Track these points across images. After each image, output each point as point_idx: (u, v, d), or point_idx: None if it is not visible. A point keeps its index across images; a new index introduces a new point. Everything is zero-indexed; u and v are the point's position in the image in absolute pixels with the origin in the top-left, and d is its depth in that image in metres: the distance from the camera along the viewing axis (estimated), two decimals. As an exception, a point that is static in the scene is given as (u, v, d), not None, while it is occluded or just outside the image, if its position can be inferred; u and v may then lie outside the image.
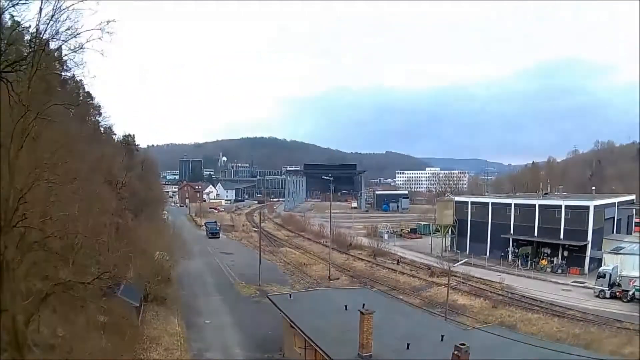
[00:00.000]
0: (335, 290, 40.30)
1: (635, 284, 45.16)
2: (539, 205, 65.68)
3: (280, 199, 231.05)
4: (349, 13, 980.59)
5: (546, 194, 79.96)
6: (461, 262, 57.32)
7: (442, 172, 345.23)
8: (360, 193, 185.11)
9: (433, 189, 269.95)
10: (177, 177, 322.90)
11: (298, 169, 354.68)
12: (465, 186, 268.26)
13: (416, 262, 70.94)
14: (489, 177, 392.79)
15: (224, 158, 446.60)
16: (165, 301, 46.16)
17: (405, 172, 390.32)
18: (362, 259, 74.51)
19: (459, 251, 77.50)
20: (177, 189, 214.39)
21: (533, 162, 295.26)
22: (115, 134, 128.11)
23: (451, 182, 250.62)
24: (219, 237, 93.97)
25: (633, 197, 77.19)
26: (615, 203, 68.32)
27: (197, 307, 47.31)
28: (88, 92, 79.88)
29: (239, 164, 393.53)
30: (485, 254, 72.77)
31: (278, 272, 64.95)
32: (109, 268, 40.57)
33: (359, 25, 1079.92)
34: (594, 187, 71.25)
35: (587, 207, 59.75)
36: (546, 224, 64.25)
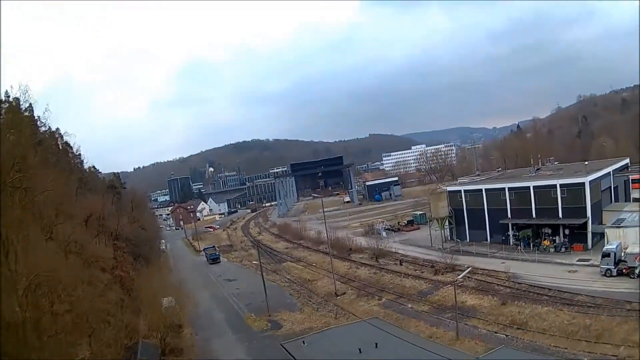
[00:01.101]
0: (346, 327, 39.83)
1: (641, 259, 45.05)
2: (534, 186, 65.17)
3: (273, 203, 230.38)
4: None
5: (538, 169, 79.65)
6: (465, 272, 56.63)
7: (428, 149, 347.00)
8: (351, 186, 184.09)
9: (422, 168, 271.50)
10: (167, 197, 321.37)
11: (285, 169, 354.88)
12: (454, 160, 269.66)
13: (419, 260, 70.67)
14: (475, 146, 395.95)
15: (211, 169, 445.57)
16: (182, 352, 45.66)
17: (392, 154, 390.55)
18: (364, 264, 74.21)
19: (459, 240, 77.17)
20: (169, 212, 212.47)
21: (518, 125, 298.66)
22: (100, 173, 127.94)
23: (439, 160, 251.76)
24: (219, 262, 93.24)
25: (627, 161, 77.14)
26: (610, 172, 67.93)
27: (213, 352, 46.84)
28: (66, 143, 79.47)
29: (227, 173, 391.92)
30: (487, 240, 73.00)
31: (284, 294, 64.54)
32: (121, 329, 40.73)
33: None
34: (586, 162, 70.04)
35: (583, 184, 59.30)
36: (543, 204, 63.90)
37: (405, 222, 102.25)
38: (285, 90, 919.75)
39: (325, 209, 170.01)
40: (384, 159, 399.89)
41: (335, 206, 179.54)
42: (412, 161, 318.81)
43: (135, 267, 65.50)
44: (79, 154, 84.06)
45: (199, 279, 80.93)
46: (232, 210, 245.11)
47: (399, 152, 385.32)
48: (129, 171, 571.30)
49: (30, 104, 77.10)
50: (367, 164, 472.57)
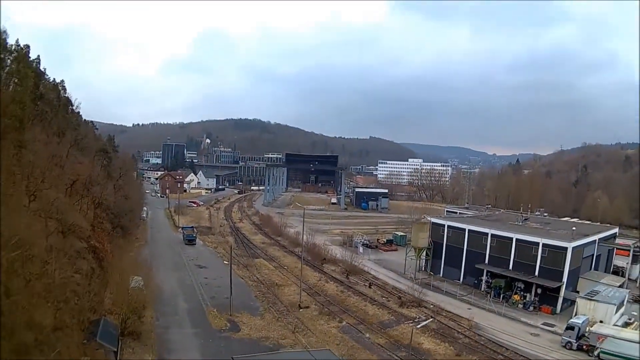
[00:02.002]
0: (299, 353, 39.80)
1: (603, 342, 45.18)
2: (516, 239, 65.16)
3: (261, 188, 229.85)
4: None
5: (526, 219, 79.68)
6: (425, 323, 55.89)
7: (424, 165, 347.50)
8: (340, 189, 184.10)
9: (415, 182, 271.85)
10: (159, 160, 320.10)
11: (280, 156, 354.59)
12: (448, 181, 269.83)
13: (388, 286, 70.86)
14: (472, 170, 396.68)
15: (208, 140, 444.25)
16: (140, 336, 45.64)
17: (388, 162, 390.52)
18: (334, 279, 74.06)
19: (432, 273, 77.63)
20: (158, 177, 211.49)
21: (518, 160, 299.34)
22: (97, 129, 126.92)
23: (433, 179, 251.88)
24: (195, 244, 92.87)
25: (615, 230, 77.20)
26: (595, 240, 67.76)
27: (169, 342, 46.77)
28: (67, 98, 78.75)
29: (222, 148, 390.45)
30: (459, 280, 73.36)
31: (250, 295, 64.17)
32: (87, 301, 40.63)
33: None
34: (574, 227, 69.54)
35: (565, 249, 59.25)
36: (522, 258, 64.11)
37: (385, 240, 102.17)
38: (295, 76, 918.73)
39: (310, 207, 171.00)
40: (379, 165, 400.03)
41: (320, 205, 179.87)
42: (405, 174, 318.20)
43: (111, 238, 65.04)
44: (78, 111, 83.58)
45: (172, 259, 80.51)
46: (220, 187, 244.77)
47: (395, 162, 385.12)
48: (128, 126, 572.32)
49: (38, 55, 77.13)
50: (362, 166, 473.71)
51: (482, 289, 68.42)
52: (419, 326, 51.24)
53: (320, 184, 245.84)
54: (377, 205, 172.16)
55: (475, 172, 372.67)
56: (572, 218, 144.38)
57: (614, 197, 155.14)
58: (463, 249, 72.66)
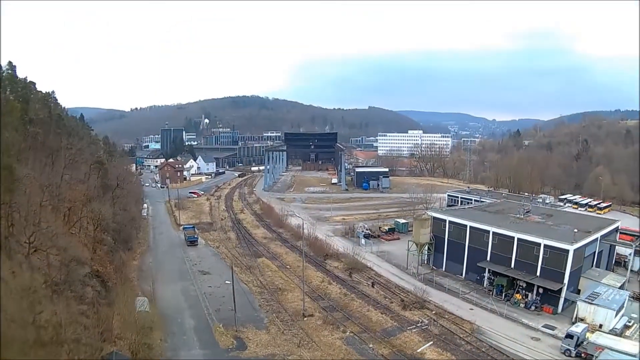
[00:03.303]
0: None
1: (600, 353, 45.67)
2: (518, 238, 64.95)
3: (261, 168, 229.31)
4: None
5: (528, 212, 79.47)
6: (426, 346, 55.63)
7: (425, 137, 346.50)
8: (341, 169, 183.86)
9: (415, 154, 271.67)
10: (159, 146, 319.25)
11: (279, 134, 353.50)
12: (447, 154, 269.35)
13: (391, 284, 71.62)
14: (473, 140, 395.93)
15: (206, 120, 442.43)
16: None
17: (388, 134, 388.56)
18: (337, 278, 74.81)
19: (434, 268, 78.11)
20: (158, 166, 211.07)
21: (518, 130, 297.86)
22: (92, 129, 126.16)
23: (433, 152, 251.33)
24: (196, 245, 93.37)
25: (618, 224, 76.86)
26: (597, 238, 67.13)
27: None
28: (59, 115, 78.08)
29: (221, 129, 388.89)
30: (461, 275, 73.92)
31: (254, 304, 64.65)
32: (96, 331, 41.19)
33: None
34: (575, 230, 68.38)
35: (567, 251, 58.98)
36: (524, 258, 64.03)
37: (387, 228, 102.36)
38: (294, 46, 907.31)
39: (311, 189, 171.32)
40: (379, 137, 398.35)
41: (322, 185, 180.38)
42: (406, 147, 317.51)
43: (113, 256, 65.32)
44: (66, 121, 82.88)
45: (174, 266, 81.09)
46: (220, 171, 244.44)
47: (395, 135, 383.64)
48: (126, 111, 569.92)
49: (26, 77, 76.42)
50: (362, 138, 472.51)
51: (485, 286, 68.90)
52: (419, 350, 51.49)
53: (320, 162, 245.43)
54: (378, 185, 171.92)
55: (476, 141, 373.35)
56: (573, 195, 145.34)
57: (616, 172, 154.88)
58: (465, 244, 72.69)
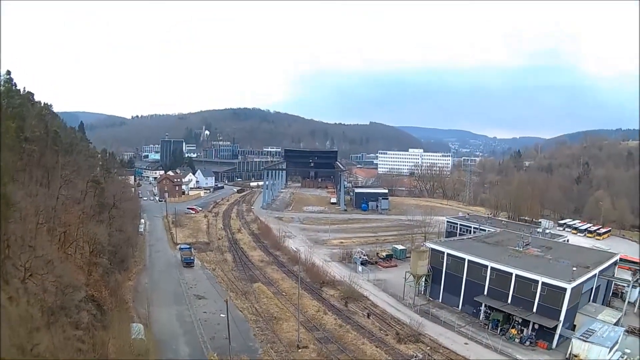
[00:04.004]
0: None
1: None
2: (516, 275, 64.76)
3: (260, 184, 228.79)
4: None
5: (527, 244, 79.16)
6: None
7: (425, 156, 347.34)
8: (340, 189, 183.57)
9: (415, 173, 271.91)
10: (158, 156, 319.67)
11: (279, 150, 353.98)
12: (448, 174, 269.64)
13: (386, 315, 71.28)
14: (473, 158, 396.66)
15: (207, 132, 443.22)
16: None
17: (388, 152, 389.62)
18: (333, 307, 74.26)
19: (431, 299, 77.76)
20: (157, 179, 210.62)
21: (519, 150, 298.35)
22: (91, 142, 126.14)
23: (433, 172, 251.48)
24: (193, 267, 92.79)
25: (617, 257, 76.75)
26: (596, 274, 67.00)
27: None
28: (55, 131, 78.02)
29: (221, 142, 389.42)
30: (458, 307, 73.62)
31: (248, 334, 63.98)
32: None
33: None
34: (574, 268, 67.63)
35: (565, 290, 58.82)
36: (521, 294, 63.88)
37: (384, 255, 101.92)
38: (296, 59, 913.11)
39: (309, 209, 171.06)
40: (379, 154, 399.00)
41: (320, 206, 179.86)
42: (406, 166, 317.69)
43: (108, 280, 64.83)
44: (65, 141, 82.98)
45: (170, 288, 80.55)
46: (219, 186, 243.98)
47: (395, 153, 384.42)
48: (127, 118, 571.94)
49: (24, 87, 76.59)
50: (362, 154, 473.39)
51: (481, 319, 68.59)
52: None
53: (319, 179, 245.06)
54: (377, 206, 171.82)
55: (476, 161, 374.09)
56: (573, 220, 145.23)
57: (616, 195, 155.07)
58: (462, 277, 72.52)
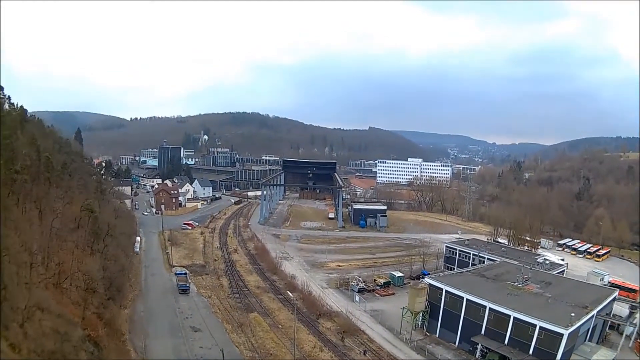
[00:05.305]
0: None
1: None
2: (514, 317, 64.20)
3: (258, 194, 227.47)
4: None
5: (527, 279, 78.34)
6: None
7: (424, 165, 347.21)
8: (338, 204, 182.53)
9: (414, 185, 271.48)
10: (156, 163, 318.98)
11: (277, 158, 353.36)
12: (447, 186, 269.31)
13: (383, 352, 70.59)
14: (472, 167, 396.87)
15: (205, 137, 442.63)
16: None
17: (387, 161, 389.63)
18: (329, 342, 73.20)
19: (428, 333, 77.13)
20: (154, 191, 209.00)
21: (519, 162, 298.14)
22: (87, 159, 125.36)
23: (432, 184, 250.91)
24: (188, 293, 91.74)
25: (615, 294, 76.63)
26: (594, 315, 66.54)
27: None
28: (47, 157, 77.01)
29: (219, 149, 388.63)
30: (455, 343, 73.06)
31: (244, 376, 63.43)
32: None
33: None
34: (572, 314, 66.52)
35: (562, 335, 58.51)
36: (518, 336, 63.44)
37: (382, 282, 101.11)
38: (297, 64, 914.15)
39: (307, 223, 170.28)
40: (378, 163, 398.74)
41: (319, 220, 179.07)
42: (405, 177, 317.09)
43: (103, 313, 63.97)
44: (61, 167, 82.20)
45: (166, 318, 79.31)
46: (217, 196, 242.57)
47: (394, 162, 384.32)
48: (126, 119, 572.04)
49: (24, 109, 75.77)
50: (362, 161, 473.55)
51: (477, 358, 68.19)
52: None
53: (318, 191, 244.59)
54: (375, 223, 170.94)
55: (475, 169, 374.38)
56: (572, 240, 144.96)
57: (616, 214, 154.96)
58: (460, 315, 71.92)
